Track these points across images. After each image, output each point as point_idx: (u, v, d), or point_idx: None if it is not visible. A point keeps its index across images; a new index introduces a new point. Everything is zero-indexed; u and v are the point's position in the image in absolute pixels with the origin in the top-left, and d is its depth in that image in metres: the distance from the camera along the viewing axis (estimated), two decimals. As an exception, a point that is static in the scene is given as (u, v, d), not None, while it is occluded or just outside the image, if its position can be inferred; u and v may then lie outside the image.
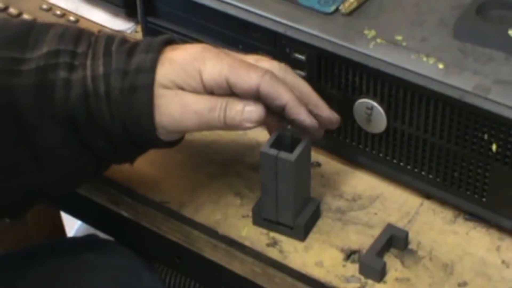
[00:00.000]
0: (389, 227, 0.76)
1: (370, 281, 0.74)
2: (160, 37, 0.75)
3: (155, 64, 0.72)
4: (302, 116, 0.73)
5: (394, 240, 0.76)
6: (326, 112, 0.76)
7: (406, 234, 0.76)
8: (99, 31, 0.77)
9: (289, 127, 0.76)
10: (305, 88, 0.76)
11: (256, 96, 0.72)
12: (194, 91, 0.72)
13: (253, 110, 0.72)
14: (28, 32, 0.73)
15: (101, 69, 0.72)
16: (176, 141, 0.76)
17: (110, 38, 0.74)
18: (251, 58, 0.75)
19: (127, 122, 0.72)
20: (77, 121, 0.72)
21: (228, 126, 0.73)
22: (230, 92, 0.72)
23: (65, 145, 0.73)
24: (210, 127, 0.73)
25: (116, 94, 0.72)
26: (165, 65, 0.72)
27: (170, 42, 0.75)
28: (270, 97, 0.72)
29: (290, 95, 0.72)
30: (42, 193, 0.77)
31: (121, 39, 0.74)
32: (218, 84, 0.72)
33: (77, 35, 0.74)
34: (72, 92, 0.71)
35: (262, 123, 0.74)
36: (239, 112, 0.72)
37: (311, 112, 0.75)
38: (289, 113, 0.73)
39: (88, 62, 0.72)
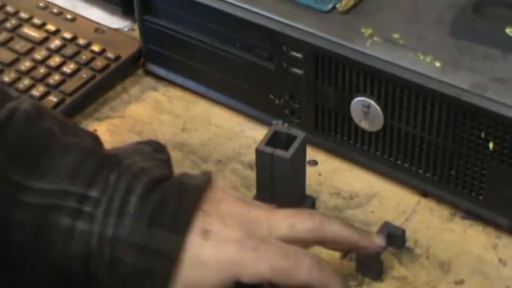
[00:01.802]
0: (386, 225, 0.76)
1: (367, 279, 0.74)
2: (188, 205, 0.63)
3: (178, 255, 0.61)
4: None
5: (391, 238, 0.76)
6: (373, 247, 0.71)
7: (403, 232, 0.76)
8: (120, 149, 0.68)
9: (286, 125, 0.76)
10: (349, 235, 0.69)
11: None
12: None
13: None
14: (45, 150, 0.64)
15: (110, 231, 0.61)
16: None
17: (133, 185, 0.62)
18: (285, 221, 0.65)
19: None
20: (71, 275, 0.63)
21: None
22: None
23: None
24: None
25: (126, 267, 0.61)
26: (193, 266, 0.62)
27: (202, 195, 0.64)
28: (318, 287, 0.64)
29: (337, 284, 0.66)
30: None
31: (145, 188, 0.62)
32: (256, 282, 0.63)
33: (95, 170, 0.63)
34: (73, 244, 0.62)
35: None
36: None
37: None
38: None
39: (99, 215, 0.61)
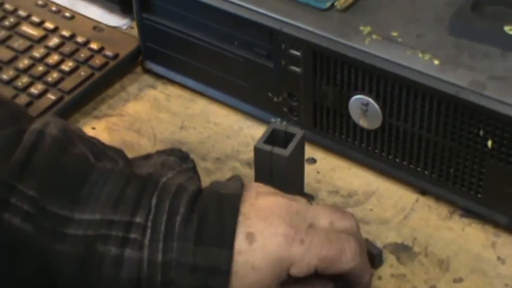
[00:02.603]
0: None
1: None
2: (229, 215, 0.63)
3: (230, 267, 0.62)
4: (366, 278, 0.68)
5: (369, 257, 0.71)
6: (368, 273, 0.69)
7: (380, 252, 0.74)
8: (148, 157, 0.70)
9: (284, 123, 0.76)
10: (364, 249, 0.69)
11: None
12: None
13: None
14: (84, 180, 0.64)
15: (159, 256, 0.62)
16: None
17: (174, 206, 0.63)
18: (325, 216, 0.67)
19: None
20: None
21: None
22: None
23: None
24: None
25: None
26: (247, 272, 0.62)
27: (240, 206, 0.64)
28: (357, 276, 0.66)
29: (370, 270, 0.69)
30: None
31: (187, 207, 0.63)
32: (304, 275, 0.64)
33: (136, 197, 0.63)
34: (123, 271, 0.62)
35: None
36: None
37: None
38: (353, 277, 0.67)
39: (146, 242, 0.62)
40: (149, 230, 0.62)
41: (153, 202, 0.64)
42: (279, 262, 0.63)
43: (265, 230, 0.64)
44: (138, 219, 0.63)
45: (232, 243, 0.62)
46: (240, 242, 0.63)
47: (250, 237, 0.63)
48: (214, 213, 0.64)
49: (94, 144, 0.69)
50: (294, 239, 0.63)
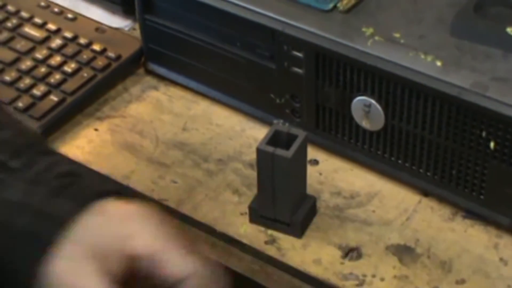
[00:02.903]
0: None
1: (368, 279, 0.74)
2: (100, 187, 0.63)
3: (69, 221, 0.59)
4: None
5: None
6: None
7: None
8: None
9: (286, 124, 0.76)
10: None
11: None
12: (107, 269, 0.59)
13: None
14: None
15: (9, 195, 0.61)
16: None
17: (55, 162, 0.63)
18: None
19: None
20: None
21: None
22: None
23: None
24: None
25: (14, 229, 0.60)
26: (93, 232, 0.60)
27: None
28: None
29: None
30: None
31: (65, 169, 0.63)
32: (144, 252, 0.59)
33: (24, 145, 0.64)
34: None
35: None
36: None
37: None
38: None
39: (9, 180, 0.62)
40: (16, 174, 0.62)
41: (36, 157, 0.63)
42: (114, 238, 0.59)
43: (119, 207, 0.61)
44: (13, 164, 0.62)
45: (86, 204, 0.60)
46: (92, 211, 0.60)
47: (103, 210, 0.61)
48: (89, 180, 0.63)
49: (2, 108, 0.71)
50: (144, 216, 0.60)
